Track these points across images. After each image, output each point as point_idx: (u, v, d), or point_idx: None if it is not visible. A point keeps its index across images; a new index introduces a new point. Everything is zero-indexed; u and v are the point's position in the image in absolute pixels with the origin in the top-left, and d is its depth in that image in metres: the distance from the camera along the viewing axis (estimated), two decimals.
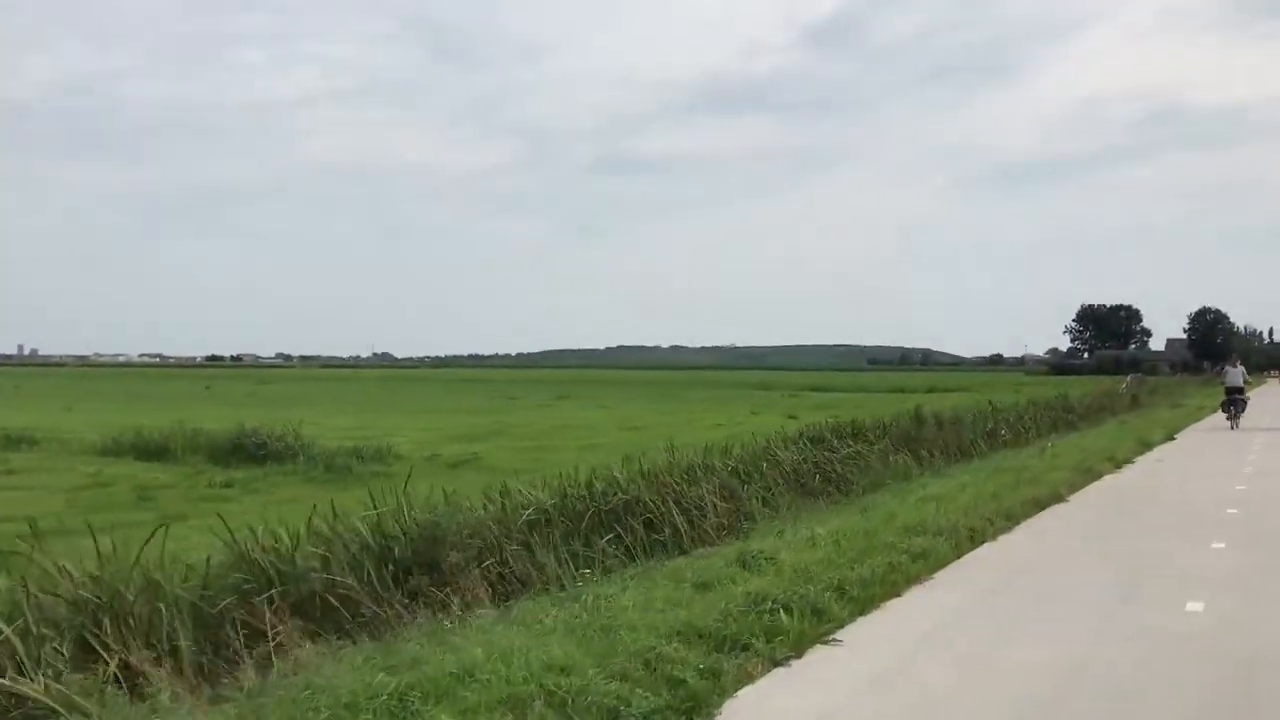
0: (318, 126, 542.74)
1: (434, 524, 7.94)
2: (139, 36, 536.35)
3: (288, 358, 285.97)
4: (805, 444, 15.84)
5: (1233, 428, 26.34)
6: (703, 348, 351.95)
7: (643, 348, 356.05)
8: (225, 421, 22.19)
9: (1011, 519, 10.82)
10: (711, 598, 6.92)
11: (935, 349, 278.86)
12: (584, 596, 7.13)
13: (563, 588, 7.74)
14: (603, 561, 8.90)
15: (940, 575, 8.23)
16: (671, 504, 10.87)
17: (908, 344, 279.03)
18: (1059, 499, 12.53)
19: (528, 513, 8.94)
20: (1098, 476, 14.93)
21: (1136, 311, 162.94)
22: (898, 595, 7.50)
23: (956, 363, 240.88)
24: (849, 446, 16.37)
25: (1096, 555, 9.00)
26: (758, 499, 12.56)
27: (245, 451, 19.31)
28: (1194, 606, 7.09)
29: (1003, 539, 9.90)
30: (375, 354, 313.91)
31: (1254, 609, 7.04)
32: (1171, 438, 23.00)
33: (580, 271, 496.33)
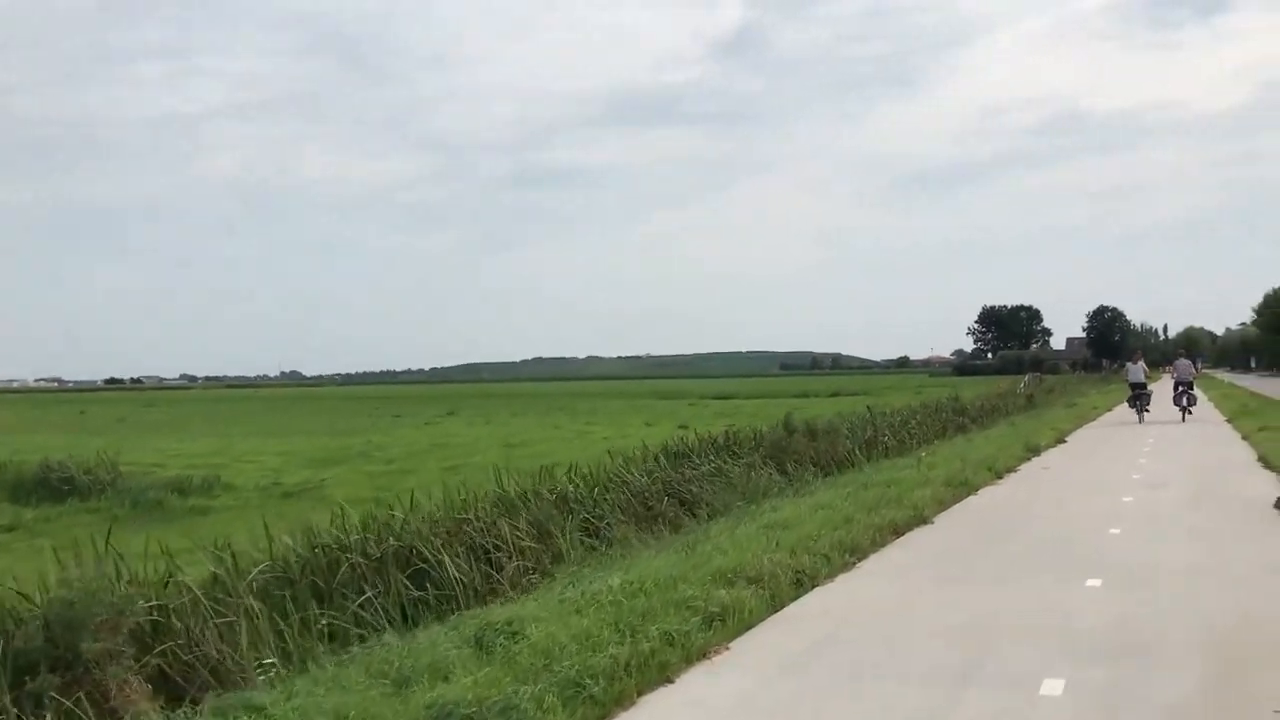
0: (221, 141, 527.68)
1: (69, 603, 5.90)
2: (29, 49, 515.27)
3: (192, 379, 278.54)
4: (665, 461, 14.15)
5: (1140, 421, 27.41)
6: (619, 358, 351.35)
7: (560, 359, 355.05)
8: (57, 451, 19.81)
9: (856, 552, 9.03)
10: (391, 709, 4.91)
11: (846, 353, 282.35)
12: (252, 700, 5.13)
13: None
14: (328, 637, 6.95)
15: (738, 644, 6.33)
16: (461, 549, 9.02)
17: (819, 349, 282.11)
18: (921, 522, 10.83)
19: (257, 570, 7.05)
20: (973, 491, 13.33)
21: (1037, 312, 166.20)
22: (667, 682, 5.58)
23: (866, 366, 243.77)
24: (711, 462, 14.70)
25: (944, 606, 7.19)
26: (578, 535, 10.72)
27: (49, 486, 17.34)
28: (1051, 688, 5.29)
29: (836, 583, 8.07)
30: (284, 373, 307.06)
31: (1127, 687, 5.28)
32: (1062, 440, 21.75)
33: (496, 284, 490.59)
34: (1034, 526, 10.52)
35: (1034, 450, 18.67)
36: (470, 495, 9.83)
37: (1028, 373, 64.96)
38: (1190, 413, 27.92)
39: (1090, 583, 7.63)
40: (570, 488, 11.80)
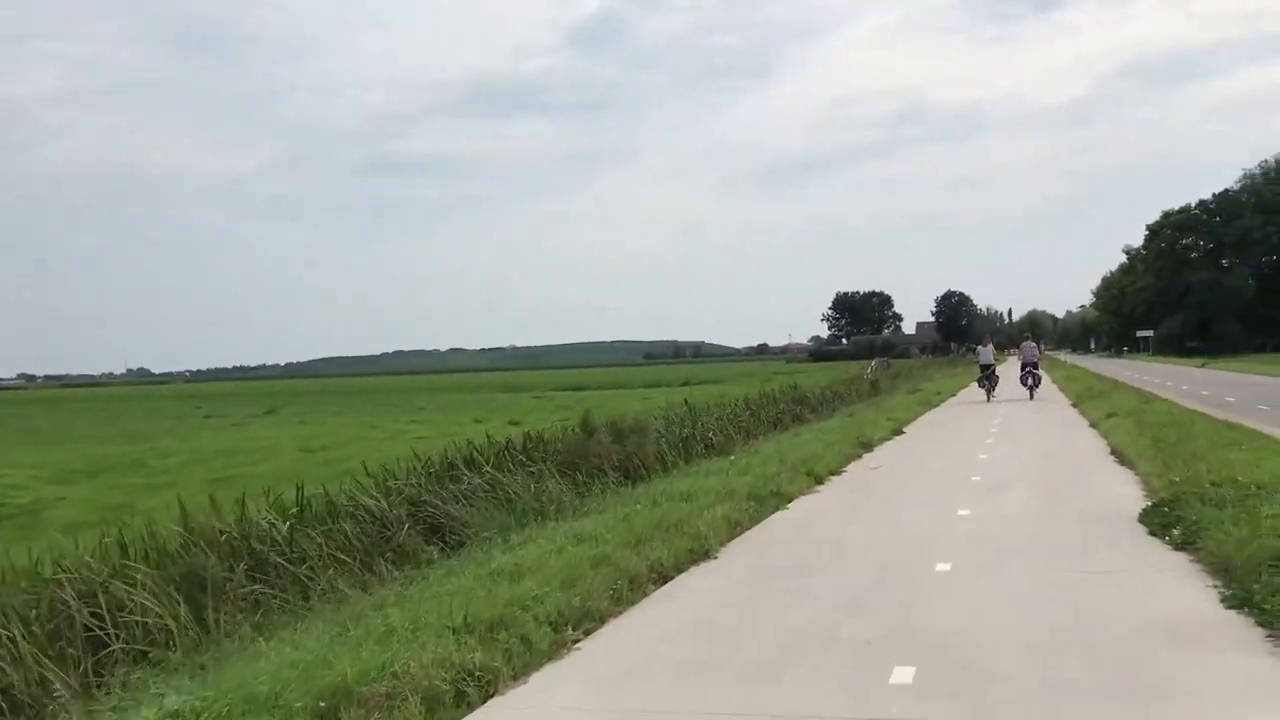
0: (61, 129, 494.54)
1: None
2: None
3: (30, 378, 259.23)
4: (423, 477, 11.36)
5: (988, 400, 28.69)
6: (482, 350, 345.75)
7: (420, 352, 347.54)
8: None
9: (588, 618, 6.25)
10: None
11: (709, 341, 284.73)
12: None
13: None
14: None
15: None
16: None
17: (683, 338, 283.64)
18: (704, 556, 8.16)
19: None
20: (784, 503, 10.79)
21: (888, 297, 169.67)
22: None
23: (728, 354, 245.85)
24: (485, 475, 11.95)
25: None
26: (231, 599, 7.85)
27: None
28: None
29: (512, 695, 5.21)
30: (130, 370, 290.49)
31: None
32: (900, 431, 19.67)
33: (355, 276, 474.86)
34: (845, 562, 7.92)
35: (866, 445, 16.40)
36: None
37: (875, 358, 64.33)
38: (1036, 391, 29.28)
39: (897, 677, 4.99)
40: (268, 520, 8.91)
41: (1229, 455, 10.72)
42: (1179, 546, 7.57)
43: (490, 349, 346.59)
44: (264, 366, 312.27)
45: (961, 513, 9.70)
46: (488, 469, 12.02)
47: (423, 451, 11.94)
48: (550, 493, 12.08)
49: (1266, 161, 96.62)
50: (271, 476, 13.37)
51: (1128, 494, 10.19)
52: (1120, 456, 13.13)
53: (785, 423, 23.73)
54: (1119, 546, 7.89)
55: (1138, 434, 14.48)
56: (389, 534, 9.64)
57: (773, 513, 10.31)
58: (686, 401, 18.63)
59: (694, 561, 7.99)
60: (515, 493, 11.83)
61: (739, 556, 8.35)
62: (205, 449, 25.47)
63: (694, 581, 7.52)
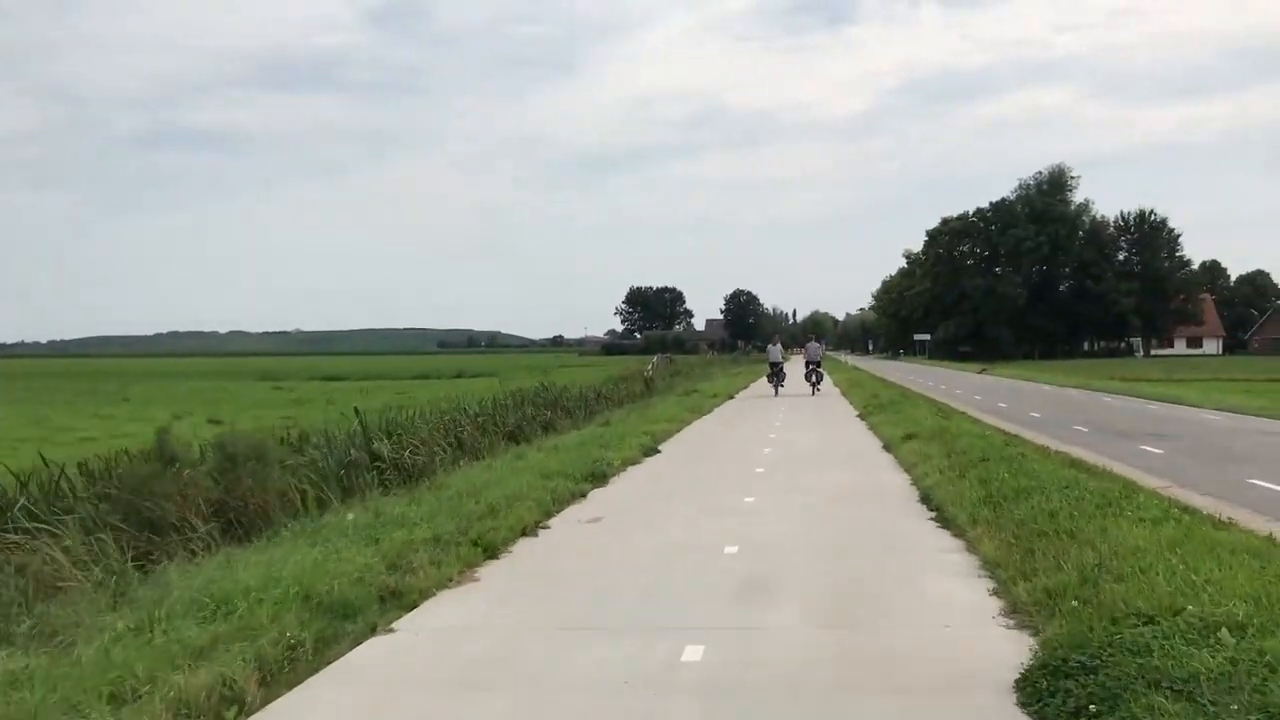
0: None
1: None
2: None
3: None
4: None
5: (775, 394, 30.06)
6: (265, 333, 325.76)
7: (199, 334, 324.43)
8: None
9: None
10: None
11: (506, 332, 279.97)
12: None
13: None
14: None
15: None
16: None
17: (479, 327, 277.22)
18: None
19: None
20: (405, 609, 6.06)
21: (680, 294, 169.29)
22: None
23: (524, 345, 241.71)
24: None
25: None
26: None
27: None
28: None
29: None
30: None
31: None
32: (654, 450, 15.33)
33: (127, 250, 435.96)
34: None
35: (599, 477, 11.88)
36: None
37: (657, 354, 60.83)
38: (818, 387, 31.54)
39: None
40: None
41: (1117, 531, 6.74)
42: None
43: (274, 333, 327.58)
44: (22, 344, 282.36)
45: (689, 657, 5.18)
46: None
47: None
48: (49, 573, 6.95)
49: (1040, 173, 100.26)
50: None
51: (975, 607, 6.00)
52: (940, 512, 9.07)
53: (527, 432, 19.18)
54: None
55: (954, 473, 10.57)
56: None
57: (356, 644, 5.52)
58: (357, 410, 13.51)
59: None
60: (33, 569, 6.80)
61: None
62: None
63: None
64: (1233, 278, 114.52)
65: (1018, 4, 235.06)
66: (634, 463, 13.73)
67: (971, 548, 7.52)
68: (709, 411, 24.48)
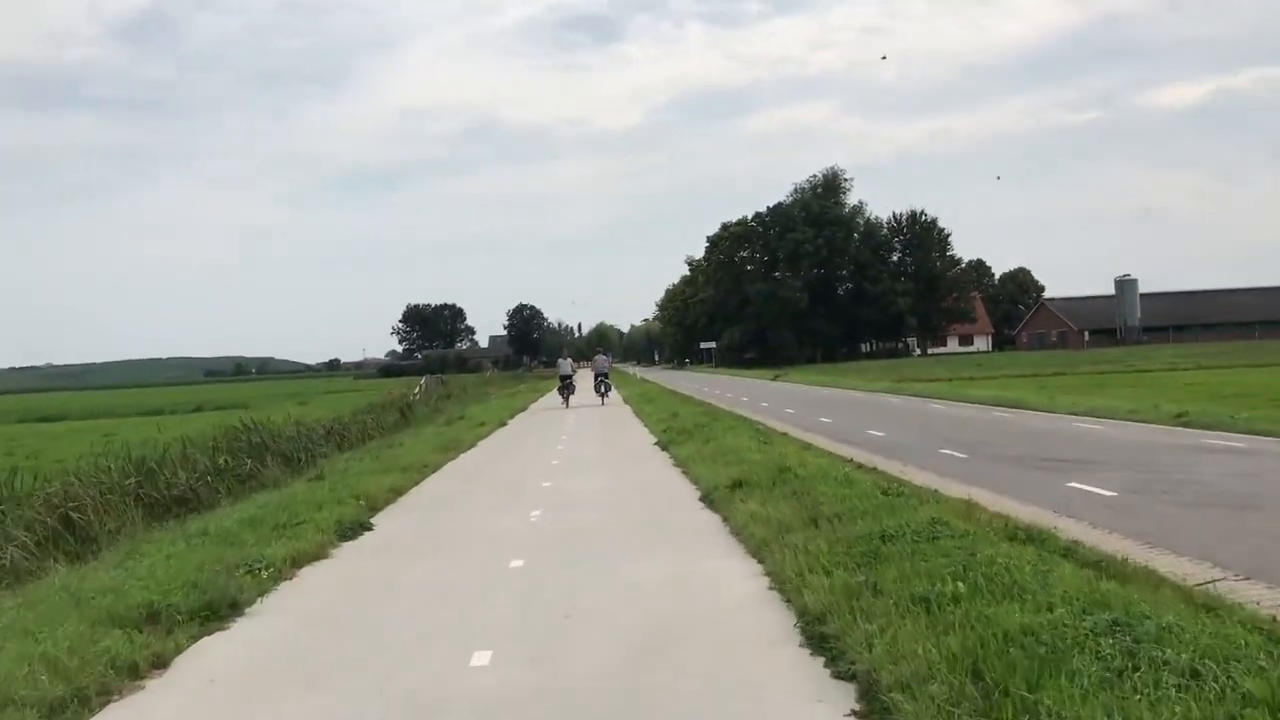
0: None
1: None
2: None
3: None
4: None
5: (565, 406, 31.69)
6: (13, 368, 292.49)
7: None
8: None
9: None
10: None
11: (278, 357, 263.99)
12: None
13: None
14: None
15: None
16: None
17: (249, 354, 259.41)
18: None
19: None
20: None
21: (460, 310, 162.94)
22: None
23: (298, 371, 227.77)
24: None
25: None
26: None
27: None
28: None
29: None
30: None
31: None
32: (358, 529, 10.06)
33: None
34: None
35: (231, 608, 6.63)
36: None
37: (425, 375, 55.16)
38: (606, 398, 33.52)
39: None
40: None
41: None
42: None
43: (23, 368, 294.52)
44: None
45: None
46: None
47: None
48: None
49: (815, 176, 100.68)
50: None
51: None
52: (803, 617, 4.44)
53: (203, 497, 13.73)
54: None
55: (851, 566, 5.97)
56: None
57: None
58: None
59: None
60: None
61: None
62: None
63: None
64: (996, 276, 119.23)
65: (776, 23, 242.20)
66: (320, 557, 8.47)
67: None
68: (470, 447, 19.30)
